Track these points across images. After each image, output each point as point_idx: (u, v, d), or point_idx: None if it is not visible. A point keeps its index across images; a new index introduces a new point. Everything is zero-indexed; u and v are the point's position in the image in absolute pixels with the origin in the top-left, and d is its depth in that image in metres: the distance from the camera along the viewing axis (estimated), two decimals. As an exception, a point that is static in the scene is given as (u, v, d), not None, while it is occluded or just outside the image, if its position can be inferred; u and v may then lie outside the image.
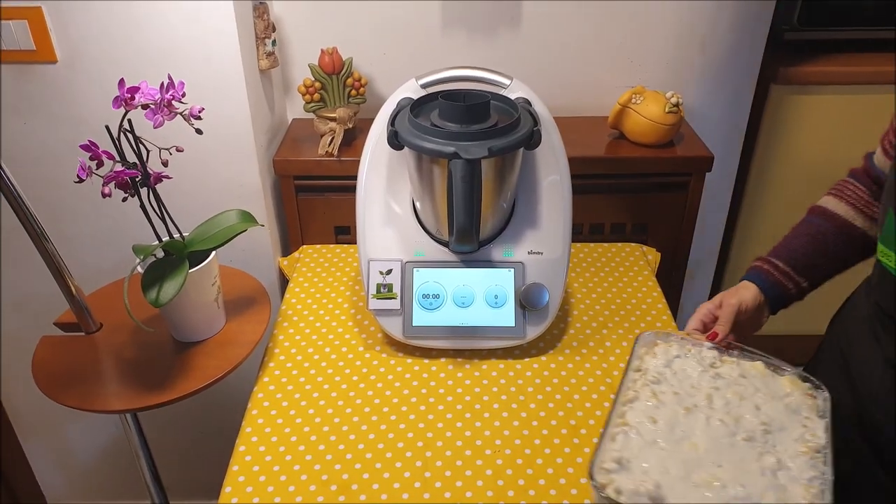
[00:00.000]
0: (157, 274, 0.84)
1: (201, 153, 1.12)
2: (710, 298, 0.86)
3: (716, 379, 0.76)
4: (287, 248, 1.30)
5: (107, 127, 0.77)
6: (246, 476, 0.81)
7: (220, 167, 1.14)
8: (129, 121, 0.79)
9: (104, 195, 0.77)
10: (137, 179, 0.82)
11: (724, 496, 0.64)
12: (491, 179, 0.89)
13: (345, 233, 1.25)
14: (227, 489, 0.80)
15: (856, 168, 0.87)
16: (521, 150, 0.91)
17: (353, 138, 1.23)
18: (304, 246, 1.24)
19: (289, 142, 1.25)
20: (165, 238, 0.89)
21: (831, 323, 0.90)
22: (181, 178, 1.12)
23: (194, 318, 0.93)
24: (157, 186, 0.86)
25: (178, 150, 0.84)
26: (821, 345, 0.91)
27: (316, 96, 1.18)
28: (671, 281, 1.30)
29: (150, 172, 0.84)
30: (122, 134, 0.78)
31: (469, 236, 0.89)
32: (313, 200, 1.22)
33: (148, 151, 0.83)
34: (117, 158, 0.78)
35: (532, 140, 0.89)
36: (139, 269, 0.87)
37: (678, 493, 0.64)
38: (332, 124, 1.18)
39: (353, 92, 1.20)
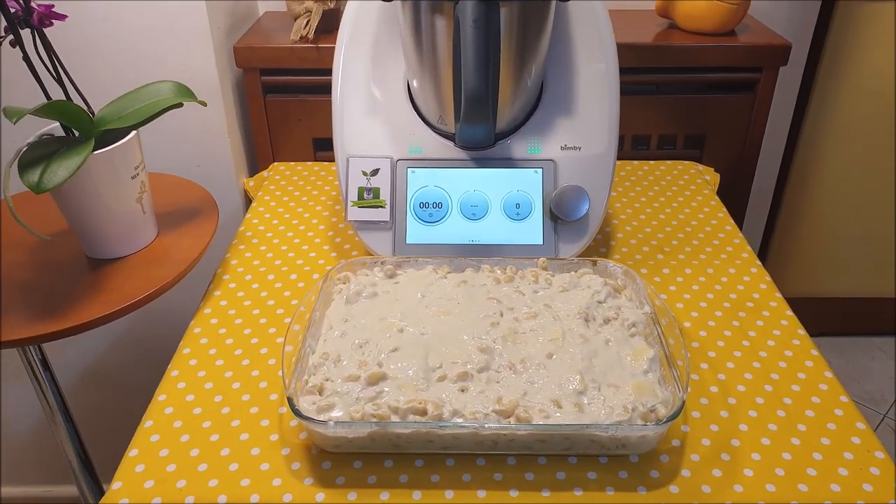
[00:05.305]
0: (44, 151, 0.60)
1: (137, 29, 0.87)
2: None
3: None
4: (255, 166, 1.06)
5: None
6: (162, 434, 0.57)
7: (165, 52, 0.89)
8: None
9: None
10: (16, 14, 0.58)
11: None
12: (512, 39, 0.65)
13: (326, 147, 1.01)
14: (115, 485, 0.53)
15: None
16: (554, 2, 0.67)
17: (336, 24, 0.97)
18: (276, 163, 0.99)
19: (256, 31, 1.00)
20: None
21: None
22: (110, 61, 0.89)
23: (110, 224, 0.69)
24: (68, 54, 0.62)
25: (69, -32, 0.60)
26: None
27: (288, -32, 0.94)
28: (731, 210, 1.04)
29: (34, 7, 0.59)
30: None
31: (483, 109, 0.64)
32: (286, 103, 0.98)
33: (31, -24, 0.59)
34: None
35: (569, -15, 0.64)
36: (26, 148, 0.63)
37: None
38: (309, 2, 0.93)
39: (336, -36, 0.96)
